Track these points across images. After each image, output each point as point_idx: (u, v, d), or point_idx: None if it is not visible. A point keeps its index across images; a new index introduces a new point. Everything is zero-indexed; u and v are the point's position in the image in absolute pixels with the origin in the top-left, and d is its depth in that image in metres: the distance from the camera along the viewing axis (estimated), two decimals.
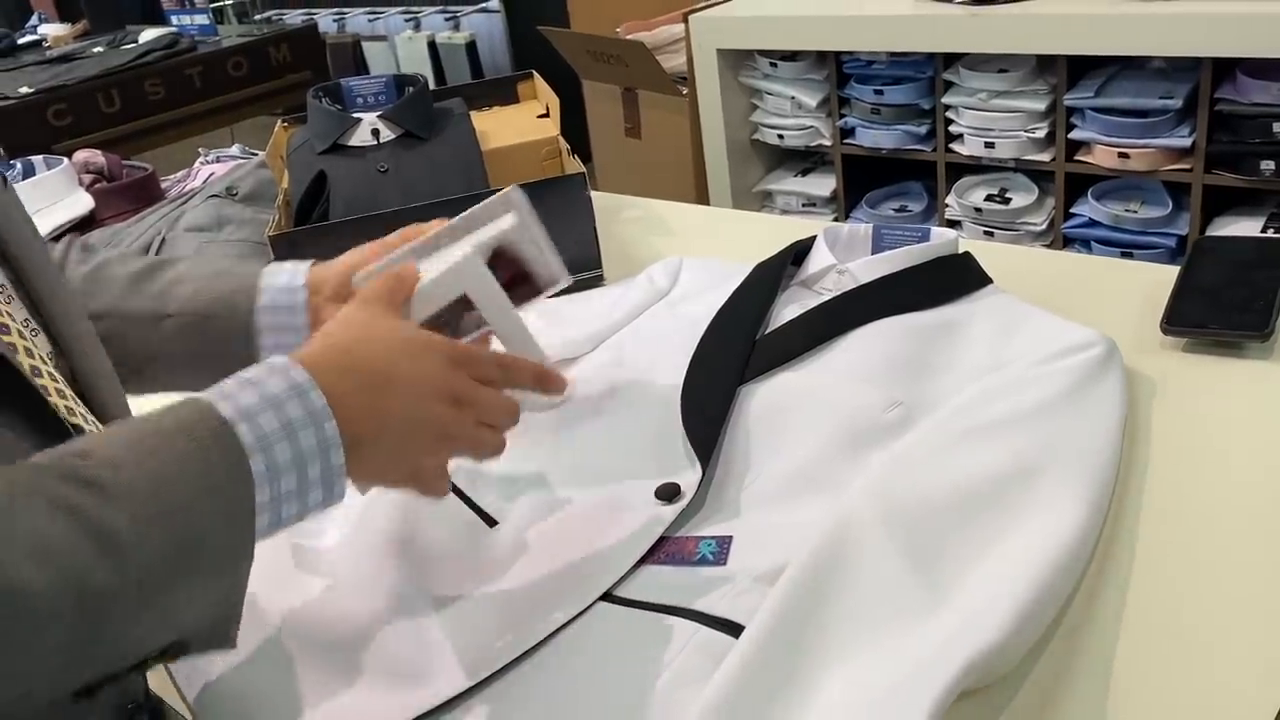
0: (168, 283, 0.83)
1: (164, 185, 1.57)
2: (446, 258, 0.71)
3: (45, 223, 1.43)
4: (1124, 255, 2.00)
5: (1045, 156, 2.07)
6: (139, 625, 0.49)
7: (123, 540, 0.47)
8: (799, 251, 1.01)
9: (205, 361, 0.79)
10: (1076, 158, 2.05)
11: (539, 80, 1.42)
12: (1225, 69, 1.85)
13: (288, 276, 0.82)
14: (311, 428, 0.56)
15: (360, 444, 0.59)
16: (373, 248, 0.82)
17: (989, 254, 0.98)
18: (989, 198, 2.15)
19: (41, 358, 0.61)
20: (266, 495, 0.54)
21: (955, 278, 0.94)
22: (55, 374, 0.63)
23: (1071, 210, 2.10)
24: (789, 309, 0.94)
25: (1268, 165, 1.82)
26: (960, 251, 0.97)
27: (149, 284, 0.83)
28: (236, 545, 0.53)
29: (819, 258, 1.00)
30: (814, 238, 1.02)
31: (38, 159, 1.51)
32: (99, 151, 1.55)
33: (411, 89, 1.27)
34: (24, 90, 2.82)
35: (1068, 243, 2.10)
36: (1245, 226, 1.92)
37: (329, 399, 0.57)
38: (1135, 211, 2.02)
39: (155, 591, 0.49)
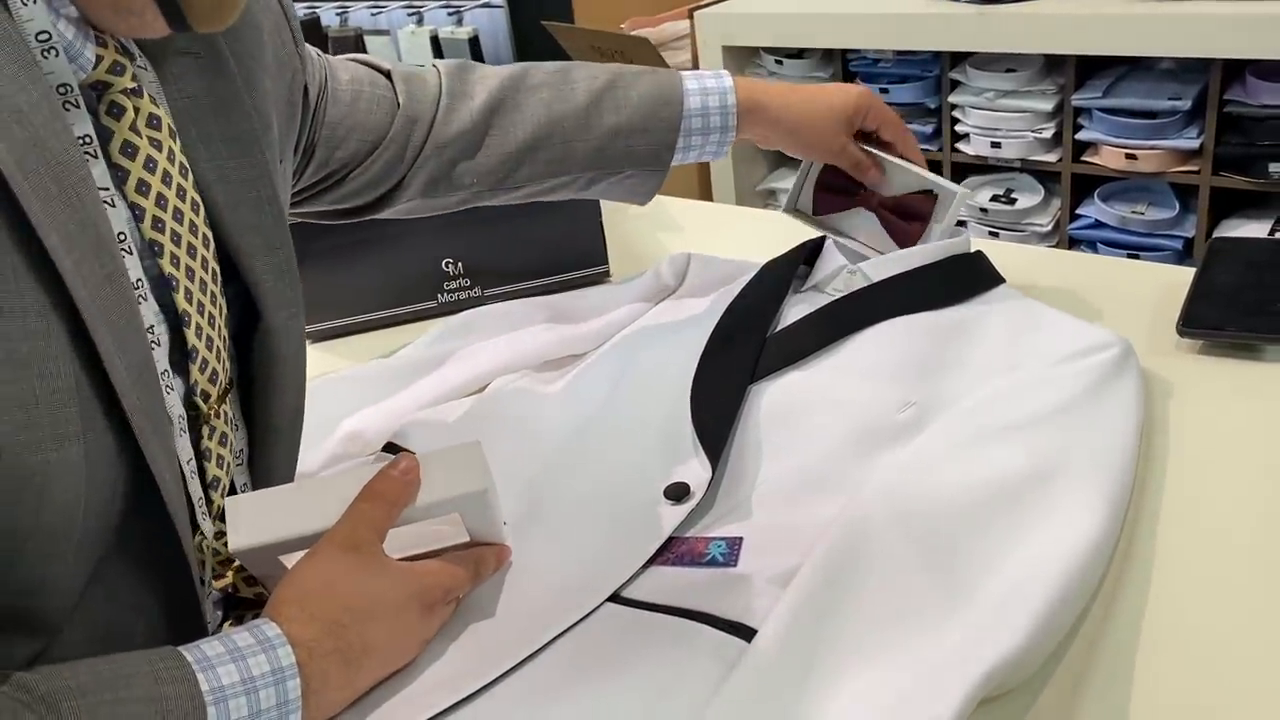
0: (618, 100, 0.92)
1: None
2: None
3: None
4: (1130, 257, 1.99)
5: (1052, 157, 2.06)
6: None
7: None
8: (809, 251, 1.00)
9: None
10: (1083, 158, 2.03)
11: None
12: (1235, 70, 1.84)
13: (719, 118, 0.91)
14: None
15: (322, 708, 0.59)
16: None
17: (1000, 253, 0.96)
18: (994, 198, 2.14)
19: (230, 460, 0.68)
20: None
21: (968, 277, 0.93)
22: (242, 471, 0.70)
23: (1077, 211, 2.08)
24: (799, 309, 0.93)
25: (1276, 168, 1.81)
26: (972, 251, 0.96)
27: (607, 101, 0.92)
28: None
29: (829, 259, 0.98)
30: (824, 238, 1.01)
31: None
32: None
33: None
34: None
35: (1073, 244, 2.09)
36: (1252, 229, 1.91)
37: (306, 681, 0.57)
38: (1142, 213, 2.01)
39: None
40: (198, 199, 0.63)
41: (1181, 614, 0.64)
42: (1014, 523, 0.67)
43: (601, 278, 1.16)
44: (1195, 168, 1.91)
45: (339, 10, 3.85)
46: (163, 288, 0.60)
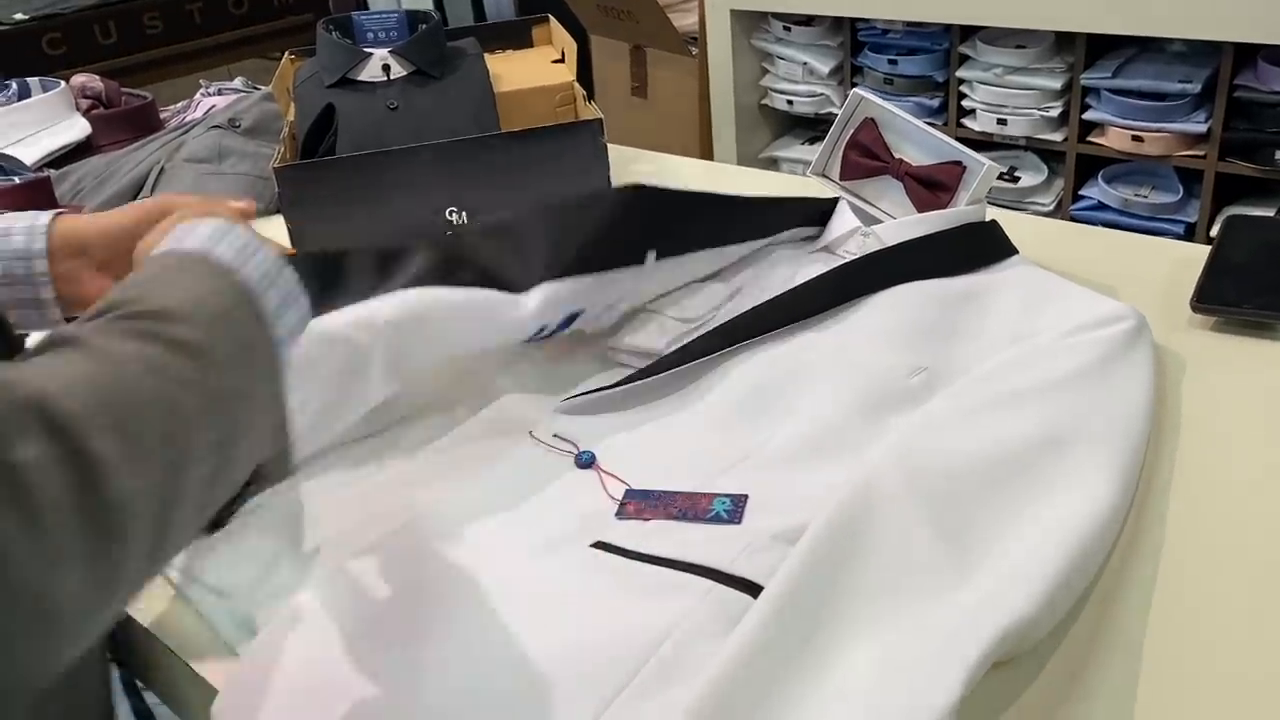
0: None
1: (163, 116, 1.53)
2: None
3: (39, 147, 1.39)
4: None
5: (1057, 136, 2.05)
6: (240, 432, 0.49)
7: (202, 347, 0.48)
8: (820, 213, 0.99)
9: None
10: (1089, 139, 2.02)
11: (555, 24, 1.39)
12: (1247, 55, 1.82)
13: (23, 239, 0.69)
14: (261, 249, 0.55)
15: None
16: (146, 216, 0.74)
17: (1013, 225, 0.95)
18: (998, 175, 2.12)
19: None
20: (271, 304, 0.54)
21: (982, 246, 0.92)
22: None
23: (1080, 192, 2.07)
24: (811, 270, 0.92)
25: None
26: (987, 220, 0.95)
27: None
28: (274, 350, 0.53)
29: (842, 221, 0.97)
30: (836, 200, 0.99)
31: (34, 80, 1.47)
32: (97, 76, 1.50)
33: (424, 26, 1.23)
34: (19, 16, 2.75)
35: (1075, 224, 2.08)
36: None
37: None
38: (1145, 196, 2.00)
39: (236, 397, 0.49)
40: None
41: (1192, 585, 0.64)
42: (1026, 488, 0.67)
43: None
44: (1201, 152, 1.90)
45: None
46: None
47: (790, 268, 0.94)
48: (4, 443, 0.37)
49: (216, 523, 0.51)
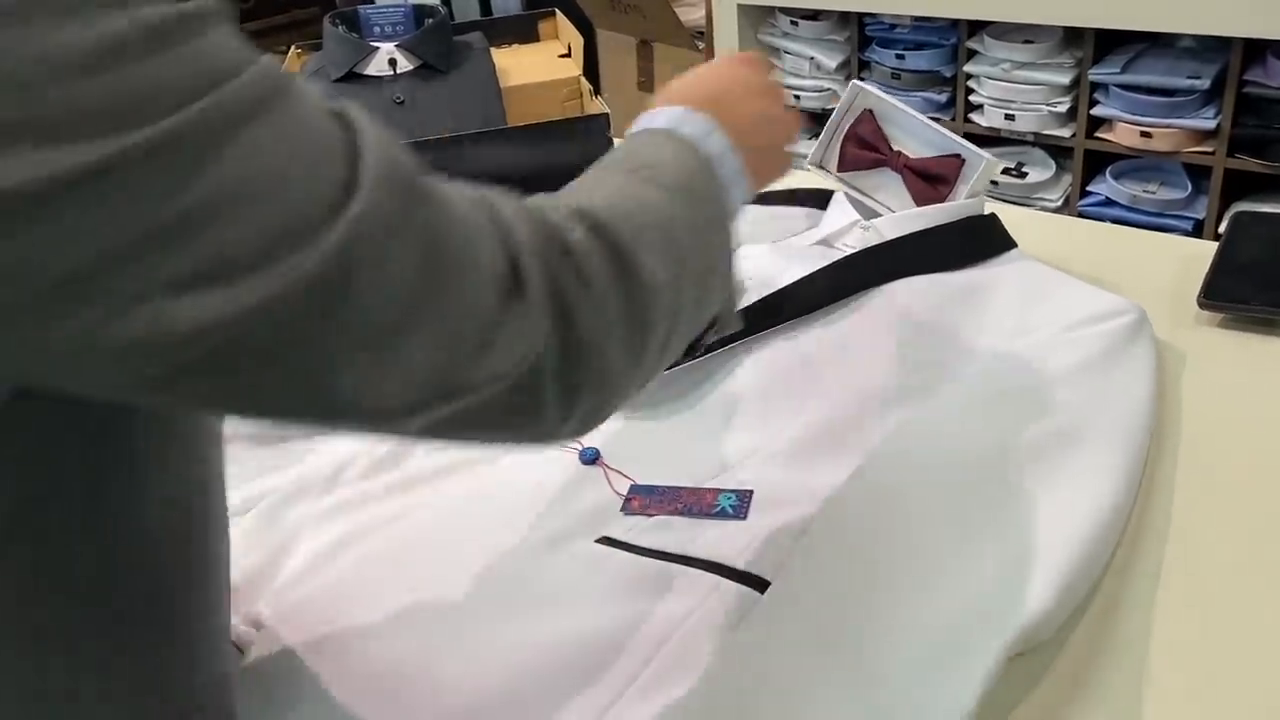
0: None
1: None
2: None
3: None
4: None
5: (1065, 132, 2.04)
6: (714, 271, 0.55)
7: (687, 190, 0.54)
8: (815, 203, 0.99)
9: None
10: (1097, 135, 2.01)
11: (561, 19, 1.39)
12: (1256, 51, 1.82)
13: None
14: (717, 132, 0.59)
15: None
16: None
17: (1019, 220, 0.95)
18: (1005, 171, 2.12)
19: None
20: (725, 176, 0.58)
21: (982, 240, 0.91)
22: None
23: (1088, 188, 2.07)
24: (810, 264, 0.92)
25: None
26: (986, 213, 0.95)
27: None
28: (729, 213, 0.58)
29: (840, 214, 0.97)
30: (830, 191, 1.00)
31: None
32: None
33: (431, 20, 1.23)
34: None
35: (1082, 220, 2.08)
36: None
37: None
38: (1153, 193, 1.99)
39: (711, 236, 0.55)
40: None
41: (1196, 581, 0.64)
42: (1030, 487, 0.67)
43: None
44: (1210, 149, 1.89)
45: None
46: None
47: (789, 261, 0.94)
48: (564, 232, 0.46)
49: (689, 351, 0.57)
